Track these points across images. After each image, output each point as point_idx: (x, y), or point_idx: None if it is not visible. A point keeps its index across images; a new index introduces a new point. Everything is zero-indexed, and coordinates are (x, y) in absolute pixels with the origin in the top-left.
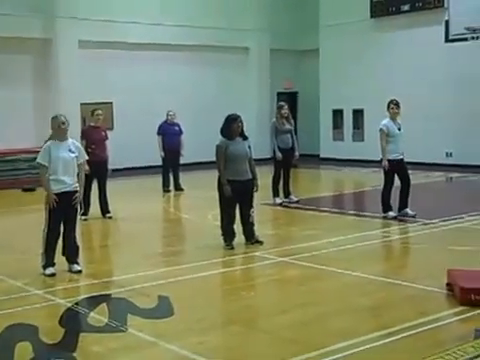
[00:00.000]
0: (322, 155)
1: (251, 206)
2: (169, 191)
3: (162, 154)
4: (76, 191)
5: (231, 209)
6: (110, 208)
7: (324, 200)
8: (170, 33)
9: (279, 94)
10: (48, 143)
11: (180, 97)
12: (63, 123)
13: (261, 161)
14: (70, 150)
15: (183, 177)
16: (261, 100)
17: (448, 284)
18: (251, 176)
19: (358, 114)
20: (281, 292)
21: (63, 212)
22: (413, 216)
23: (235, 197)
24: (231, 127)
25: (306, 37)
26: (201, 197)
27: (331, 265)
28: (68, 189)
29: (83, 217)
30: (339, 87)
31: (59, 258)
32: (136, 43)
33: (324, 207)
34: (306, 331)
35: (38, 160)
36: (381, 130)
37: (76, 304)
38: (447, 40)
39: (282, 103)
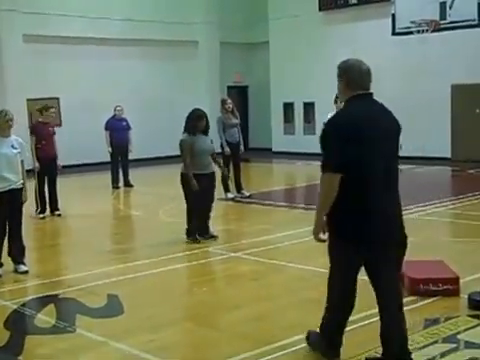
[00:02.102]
0: (274, 149)
1: (212, 200)
2: (118, 188)
3: (109, 150)
4: (22, 189)
5: (197, 204)
6: (59, 205)
7: (276, 194)
8: (117, 27)
9: (229, 88)
10: None
11: (128, 92)
12: (11, 120)
13: None
14: (12, 146)
15: (132, 173)
16: (211, 94)
17: None
18: (213, 170)
19: (309, 107)
20: (233, 288)
21: (8, 211)
22: None
23: (200, 191)
24: (197, 125)
25: (256, 30)
26: (151, 194)
27: (283, 259)
28: (13, 187)
29: (41, 215)
30: (290, 80)
31: (5, 259)
32: (83, 37)
33: (276, 201)
34: (258, 326)
35: None
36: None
37: (23, 306)
38: (394, 33)
39: (225, 97)
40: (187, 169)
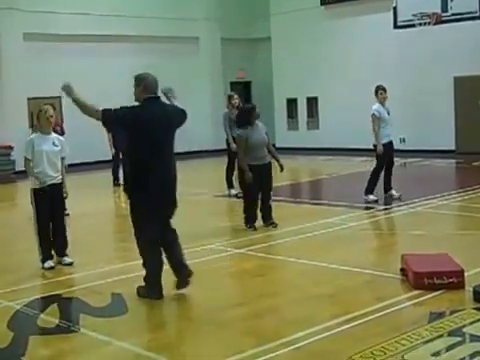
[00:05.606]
0: (278, 145)
1: (270, 189)
2: (119, 185)
3: (112, 151)
4: (61, 183)
5: (254, 193)
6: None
7: (281, 190)
8: (118, 24)
9: (232, 84)
10: (32, 136)
11: (129, 89)
12: (51, 116)
13: (215, 152)
14: (53, 144)
15: None
16: (214, 91)
17: (402, 269)
18: (270, 160)
19: (312, 102)
20: (237, 284)
21: (50, 205)
22: (398, 198)
23: (256, 181)
24: (250, 119)
25: (257, 25)
26: None
27: (287, 255)
28: (54, 181)
29: None
30: (292, 75)
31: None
32: (83, 35)
33: (281, 196)
34: (263, 322)
35: (24, 154)
36: (373, 115)
37: (26, 306)
38: (396, 27)
39: (231, 93)
40: (241, 161)
